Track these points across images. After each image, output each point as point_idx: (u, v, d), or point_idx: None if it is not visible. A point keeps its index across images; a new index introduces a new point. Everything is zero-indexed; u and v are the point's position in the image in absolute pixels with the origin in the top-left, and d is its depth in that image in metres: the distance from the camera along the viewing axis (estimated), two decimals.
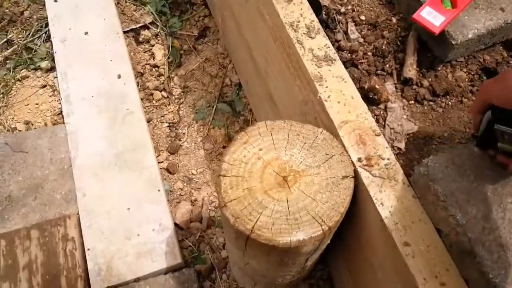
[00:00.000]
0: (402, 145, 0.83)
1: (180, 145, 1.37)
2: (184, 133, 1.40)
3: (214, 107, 1.43)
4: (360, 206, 0.82)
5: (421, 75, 0.90)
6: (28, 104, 1.47)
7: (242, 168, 0.81)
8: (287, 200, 0.78)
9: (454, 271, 0.71)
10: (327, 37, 0.93)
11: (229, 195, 0.79)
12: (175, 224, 1.22)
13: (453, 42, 0.85)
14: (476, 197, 0.71)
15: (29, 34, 1.59)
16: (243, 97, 1.44)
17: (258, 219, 0.76)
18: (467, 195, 0.71)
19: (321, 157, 0.81)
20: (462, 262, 0.70)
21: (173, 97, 1.47)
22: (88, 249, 1.15)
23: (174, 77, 1.52)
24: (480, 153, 0.74)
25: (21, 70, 1.53)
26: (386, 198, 0.77)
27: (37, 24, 1.62)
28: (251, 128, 0.85)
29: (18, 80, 1.51)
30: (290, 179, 0.79)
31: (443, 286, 0.70)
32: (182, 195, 1.29)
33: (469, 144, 0.76)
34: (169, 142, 1.38)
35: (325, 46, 0.92)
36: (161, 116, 1.43)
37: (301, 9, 0.97)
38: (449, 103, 0.88)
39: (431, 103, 0.88)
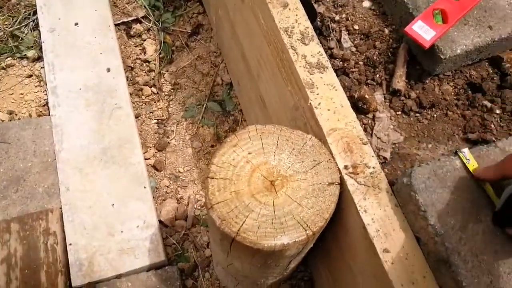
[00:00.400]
0: (387, 155, 0.85)
1: (168, 143, 1.37)
2: (172, 131, 1.39)
3: (204, 106, 1.43)
4: (344, 212, 0.84)
5: (409, 86, 0.93)
6: (12, 94, 1.44)
7: (231, 171, 0.82)
8: (273, 204, 0.79)
9: (431, 279, 0.73)
10: (320, 45, 0.95)
11: (216, 197, 0.79)
12: (160, 222, 1.22)
13: (441, 57, 0.88)
14: (455, 209, 0.74)
15: (16, 21, 1.56)
16: (234, 97, 1.44)
17: (244, 222, 0.77)
18: (447, 206, 0.74)
19: (308, 163, 0.83)
20: (439, 270, 0.73)
21: (163, 93, 1.47)
22: (70, 244, 1.14)
23: (165, 73, 1.51)
24: (461, 167, 0.77)
25: (6, 58, 1.50)
26: (370, 206, 0.79)
27: (25, 12, 1.58)
28: (241, 131, 0.86)
29: (3, 68, 1.48)
30: (277, 184, 0.81)
31: None
32: (168, 193, 1.29)
33: (451, 157, 0.78)
34: (157, 138, 1.37)
35: (318, 53, 0.93)
36: (150, 112, 1.42)
37: (297, 15, 0.98)
38: (435, 115, 0.90)
39: (417, 114, 0.90)
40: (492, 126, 0.88)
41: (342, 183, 0.82)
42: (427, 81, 0.92)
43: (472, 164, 0.77)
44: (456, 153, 0.79)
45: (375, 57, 0.95)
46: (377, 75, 0.93)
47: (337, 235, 0.90)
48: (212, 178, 0.81)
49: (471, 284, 0.69)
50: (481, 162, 0.78)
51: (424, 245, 0.75)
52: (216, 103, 1.42)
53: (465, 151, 0.78)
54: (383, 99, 0.92)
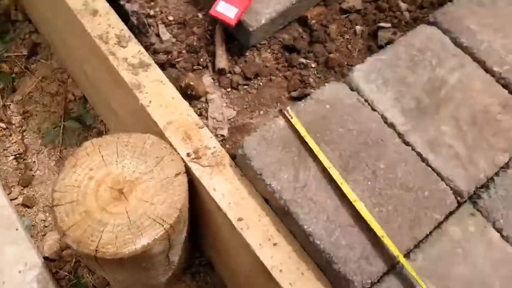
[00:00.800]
0: (225, 132, 0.90)
1: (33, 175, 1.29)
2: (34, 162, 1.31)
3: (62, 127, 1.36)
4: (200, 196, 0.89)
5: (234, 62, 0.98)
6: None
7: (76, 193, 0.81)
8: (126, 211, 0.80)
9: (283, 231, 0.82)
10: (139, 43, 0.95)
11: (66, 223, 0.79)
12: (46, 258, 1.17)
13: (250, 29, 0.94)
14: (286, 164, 0.82)
15: None
16: (91, 109, 1.40)
17: (100, 238, 0.78)
18: (278, 164, 0.82)
19: (152, 161, 0.85)
20: (287, 222, 0.81)
21: (14, 126, 1.36)
22: None
23: (10, 104, 1.40)
24: (284, 126, 0.85)
25: None
26: (217, 183, 0.85)
27: None
28: (78, 150, 0.85)
29: None
30: (126, 190, 0.82)
31: (275, 246, 0.81)
32: (46, 227, 1.23)
33: (275, 119, 0.86)
34: (19, 175, 1.29)
35: (138, 52, 0.94)
36: (4, 150, 1.32)
37: (108, 20, 0.97)
38: (261, 83, 0.97)
39: (245, 87, 0.97)
40: (311, 80, 0.98)
41: (188, 171, 0.86)
42: (247, 54, 0.99)
43: (294, 121, 0.85)
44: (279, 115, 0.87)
45: (195, 43, 0.98)
46: (201, 59, 0.97)
47: (206, 218, 0.95)
48: (58, 205, 0.80)
49: (312, 225, 0.78)
50: (302, 116, 0.87)
51: (270, 203, 0.84)
52: (74, 121, 1.36)
53: (288, 110, 0.86)
54: (212, 81, 0.96)
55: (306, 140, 0.83)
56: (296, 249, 0.81)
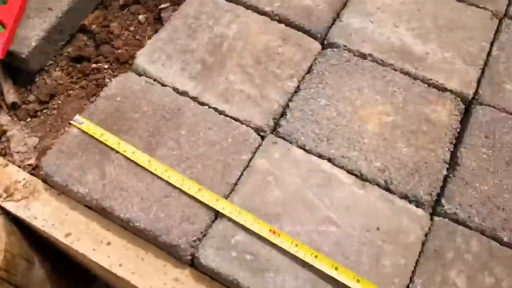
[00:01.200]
0: (33, 161, 0.91)
1: None
2: None
3: None
4: (30, 228, 0.89)
5: (28, 93, 0.99)
6: None
7: None
8: None
9: (114, 228, 0.84)
10: None
11: None
12: None
13: (23, 56, 0.95)
14: (89, 167, 0.84)
15: None
16: None
17: None
18: (81, 169, 0.84)
19: None
20: (110, 218, 0.84)
21: None
22: None
23: None
24: (79, 132, 0.87)
25: None
26: (37, 211, 0.85)
27: None
28: None
29: None
30: None
31: (110, 244, 0.83)
32: None
33: (70, 127, 0.88)
34: None
35: None
36: None
37: None
38: (59, 101, 0.98)
39: (44, 111, 0.97)
40: (107, 80, 1.01)
41: (5, 211, 0.86)
42: (36, 79, 0.99)
43: (87, 125, 0.88)
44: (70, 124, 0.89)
45: None
46: None
47: (52, 245, 0.96)
48: None
49: (128, 211, 0.80)
50: (95, 116, 0.89)
51: (92, 209, 0.85)
52: None
53: (77, 118, 0.88)
54: (9, 117, 0.96)
55: (102, 139, 0.86)
56: (130, 240, 0.83)
